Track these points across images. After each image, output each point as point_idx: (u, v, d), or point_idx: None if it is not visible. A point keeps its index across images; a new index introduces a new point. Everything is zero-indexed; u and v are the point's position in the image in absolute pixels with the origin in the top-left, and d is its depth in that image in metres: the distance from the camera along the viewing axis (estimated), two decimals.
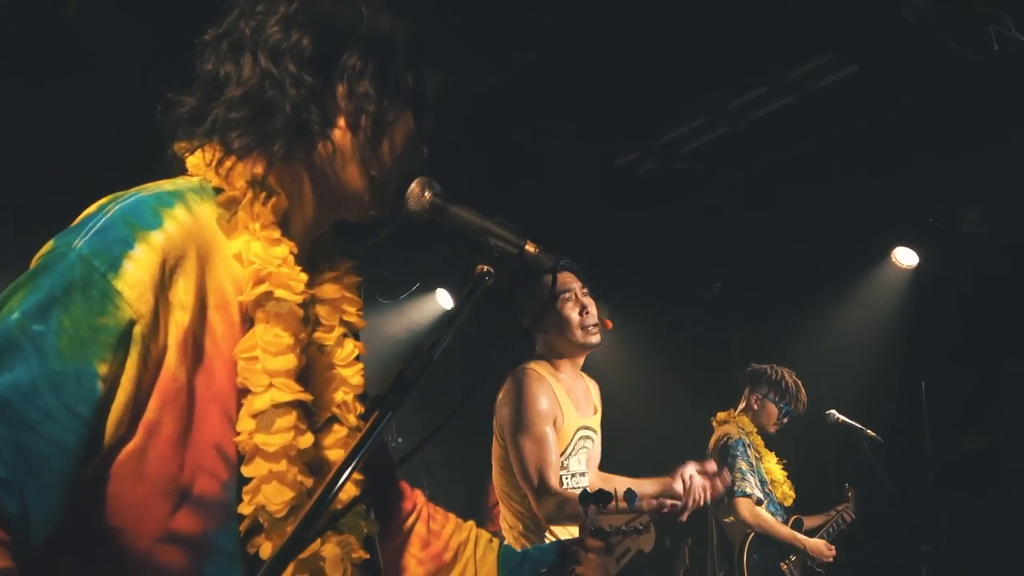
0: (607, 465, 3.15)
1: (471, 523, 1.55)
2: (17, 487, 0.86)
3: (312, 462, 1.08)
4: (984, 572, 4.85)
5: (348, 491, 1.09)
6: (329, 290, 1.19)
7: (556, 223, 4.87)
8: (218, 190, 1.08)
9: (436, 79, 1.19)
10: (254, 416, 1.02)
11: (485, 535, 1.54)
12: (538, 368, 2.93)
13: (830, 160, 4.69)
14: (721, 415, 4.61)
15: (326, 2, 1.10)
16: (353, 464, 0.90)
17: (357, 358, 1.19)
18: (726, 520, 4.32)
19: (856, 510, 4.70)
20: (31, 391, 0.87)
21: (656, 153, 5.00)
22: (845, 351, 5.81)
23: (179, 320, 0.98)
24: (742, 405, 4.59)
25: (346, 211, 1.19)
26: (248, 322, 1.05)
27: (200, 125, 1.09)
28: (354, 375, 1.17)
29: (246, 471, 1.01)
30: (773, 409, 4.48)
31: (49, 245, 0.97)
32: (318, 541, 1.05)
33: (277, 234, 1.08)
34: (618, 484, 3.00)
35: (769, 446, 4.54)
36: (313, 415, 1.12)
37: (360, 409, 1.16)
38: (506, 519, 2.97)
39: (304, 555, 1.03)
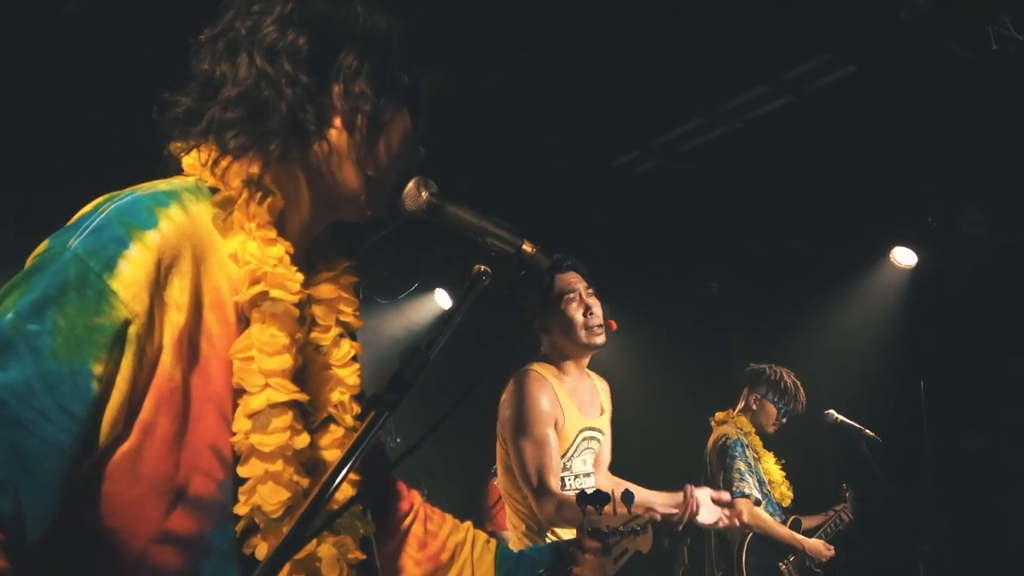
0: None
1: (468, 524, 1.55)
2: (11, 487, 0.86)
3: (308, 462, 1.08)
4: (983, 572, 4.86)
5: (344, 491, 1.09)
6: (325, 290, 1.18)
7: (555, 223, 4.87)
8: (214, 190, 1.08)
9: (432, 78, 1.18)
10: (250, 416, 1.01)
11: (482, 536, 1.53)
12: (540, 370, 2.93)
13: (829, 160, 4.69)
14: (719, 415, 4.61)
15: (322, 2, 1.10)
16: (349, 464, 0.89)
17: (354, 358, 1.19)
18: None
19: (854, 510, 4.70)
20: (26, 391, 0.87)
21: (655, 153, 5.00)
22: (844, 351, 5.81)
23: (174, 320, 0.98)
24: (741, 405, 4.59)
25: (342, 211, 1.18)
26: (244, 322, 1.05)
27: (196, 125, 1.08)
28: (350, 375, 1.17)
29: (242, 471, 1.01)
30: (772, 409, 4.48)
31: (44, 245, 0.96)
32: (314, 541, 1.05)
33: (273, 234, 1.08)
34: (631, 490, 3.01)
35: (768, 446, 4.54)
36: (309, 415, 1.11)
37: (357, 409, 1.16)
38: (511, 520, 2.98)
39: (300, 555, 1.03)
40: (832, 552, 4.36)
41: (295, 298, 1.07)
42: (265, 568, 0.85)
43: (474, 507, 5.37)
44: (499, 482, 3.03)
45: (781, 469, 4.53)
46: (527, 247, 1.12)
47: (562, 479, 2.83)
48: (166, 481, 0.96)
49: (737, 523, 2.71)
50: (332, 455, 1.11)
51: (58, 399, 0.88)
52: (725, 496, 2.68)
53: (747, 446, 4.38)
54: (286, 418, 1.03)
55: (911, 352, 5.35)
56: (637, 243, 5.71)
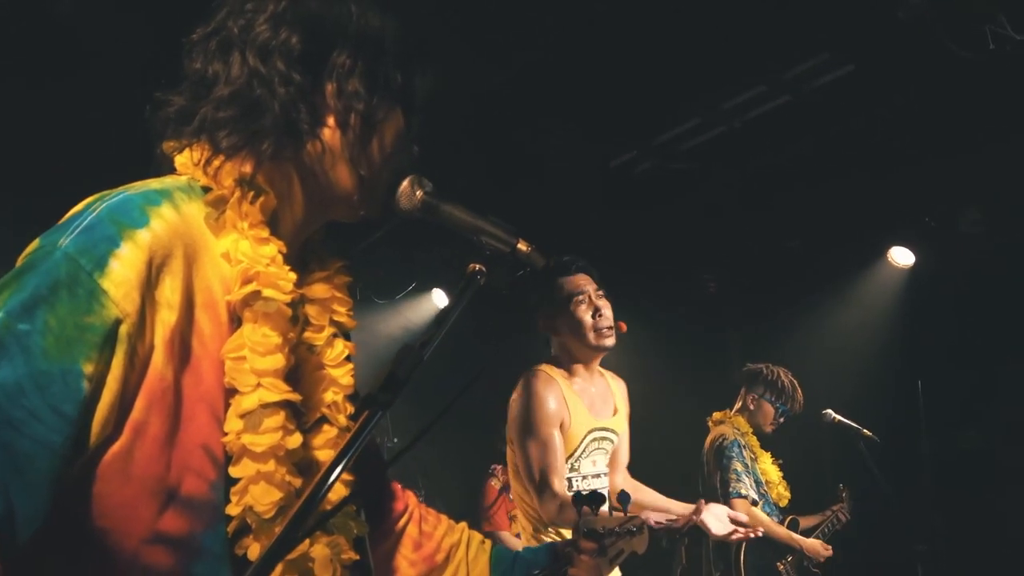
0: None
1: (463, 524, 1.55)
2: (2, 487, 0.85)
3: (301, 463, 1.07)
4: (980, 571, 4.85)
5: (338, 491, 1.09)
6: (319, 290, 1.18)
7: (555, 223, 4.87)
8: (206, 189, 1.08)
9: (426, 77, 1.18)
10: (242, 416, 1.01)
11: (477, 536, 1.53)
12: (548, 370, 2.93)
13: (826, 159, 4.69)
14: (717, 415, 4.61)
15: (315, 0, 1.10)
16: (342, 464, 0.89)
17: (347, 358, 1.19)
18: None
19: (851, 510, 4.70)
20: (16, 391, 0.87)
21: (652, 153, 5.00)
22: (841, 351, 5.81)
23: (166, 319, 0.97)
24: (738, 405, 4.59)
25: (336, 210, 1.18)
26: (236, 321, 1.05)
27: (188, 124, 1.08)
28: (344, 375, 1.16)
29: (234, 471, 1.00)
30: (769, 409, 4.48)
31: (35, 244, 0.96)
32: (307, 542, 1.05)
33: (265, 233, 1.07)
34: (644, 496, 3.03)
35: (765, 446, 4.54)
36: (302, 415, 1.11)
37: (350, 409, 1.16)
38: (520, 520, 2.99)
39: (293, 556, 1.03)
40: (830, 552, 4.36)
41: (288, 297, 1.07)
42: (257, 568, 0.85)
43: (472, 507, 5.35)
44: (511, 483, 3.04)
45: (778, 469, 4.53)
46: (522, 246, 1.12)
47: (569, 480, 2.83)
48: (158, 481, 0.96)
49: (753, 536, 2.75)
50: (325, 455, 1.10)
51: (48, 399, 0.88)
52: (743, 516, 2.74)
53: (744, 446, 4.37)
54: (278, 418, 1.03)
55: (909, 352, 5.35)
56: (635, 243, 5.70)
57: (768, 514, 4.33)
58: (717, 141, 4.75)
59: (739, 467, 4.24)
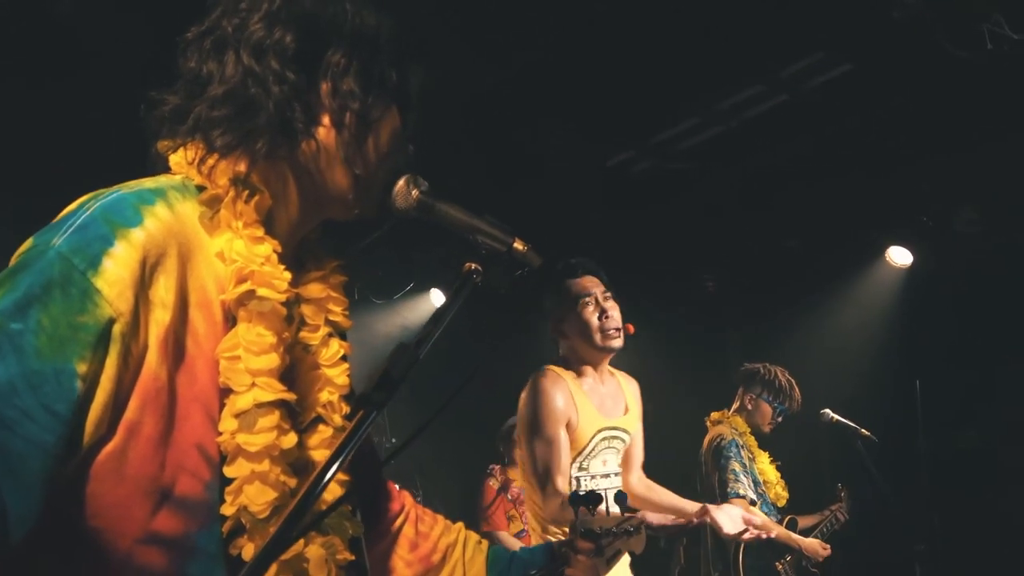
0: None
1: (460, 525, 1.54)
2: None
3: (296, 463, 1.07)
4: (978, 571, 4.86)
5: (332, 491, 1.09)
6: (314, 289, 1.18)
7: (554, 223, 4.87)
8: (201, 188, 1.07)
9: (422, 75, 1.18)
10: (236, 416, 1.00)
11: (474, 536, 1.53)
12: (557, 370, 2.94)
13: (824, 159, 4.70)
14: (715, 415, 4.61)
15: None
16: (337, 464, 0.89)
17: (343, 358, 1.18)
18: None
19: (850, 509, 4.70)
20: (9, 390, 0.86)
21: (650, 152, 5.00)
22: (839, 350, 5.81)
23: (160, 319, 0.97)
24: (736, 405, 4.59)
25: (331, 210, 1.18)
26: (231, 321, 1.04)
27: (183, 123, 1.08)
28: (339, 375, 1.16)
29: (228, 471, 1.00)
30: (767, 408, 4.48)
31: (28, 243, 0.96)
32: (301, 542, 1.04)
33: (260, 232, 1.07)
34: (659, 496, 3.04)
35: (763, 446, 4.54)
36: (298, 415, 1.10)
37: (346, 409, 1.15)
38: (530, 520, 3.00)
39: (287, 556, 1.02)
40: (828, 551, 4.36)
41: (282, 297, 1.06)
42: (251, 568, 0.84)
43: (470, 507, 5.35)
44: (524, 485, 3.05)
45: (776, 469, 4.52)
46: (518, 245, 1.11)
47: (578, 479, 2.83)
48: (152, 481, 0.95)
49: (764, 536, 2.78)
50: (321, 455, 1.10)
51: (41, 398, 0.87)
52: (756, 519, 2.77)
53: (742, 446, 4.37)
54: (273, 417, 1.02)
55: (906, 351, 5.35)
56: (634, 243, 5.71)
57: (766, 514, 4.32)
58: (715, 141, 4.76)
59: (737, 467, 4.24)
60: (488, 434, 5.42)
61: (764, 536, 2.76)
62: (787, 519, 4.50)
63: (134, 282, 0.94)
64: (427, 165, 1.21)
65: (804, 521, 4.60)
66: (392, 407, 0.98)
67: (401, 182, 1.15)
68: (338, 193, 1.14)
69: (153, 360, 0.95)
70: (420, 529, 1.46)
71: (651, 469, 3.29)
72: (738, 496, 4.16)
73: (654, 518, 2.60)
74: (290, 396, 1.06)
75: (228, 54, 1.07)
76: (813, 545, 4.35)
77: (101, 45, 3.39)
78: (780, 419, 4.52)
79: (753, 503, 4.22)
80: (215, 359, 1.02)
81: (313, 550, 1.06)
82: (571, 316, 2.93)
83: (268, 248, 1.07)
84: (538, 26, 3.73)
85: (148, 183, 1.04)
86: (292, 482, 1.04)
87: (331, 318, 1.18)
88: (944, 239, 5.17)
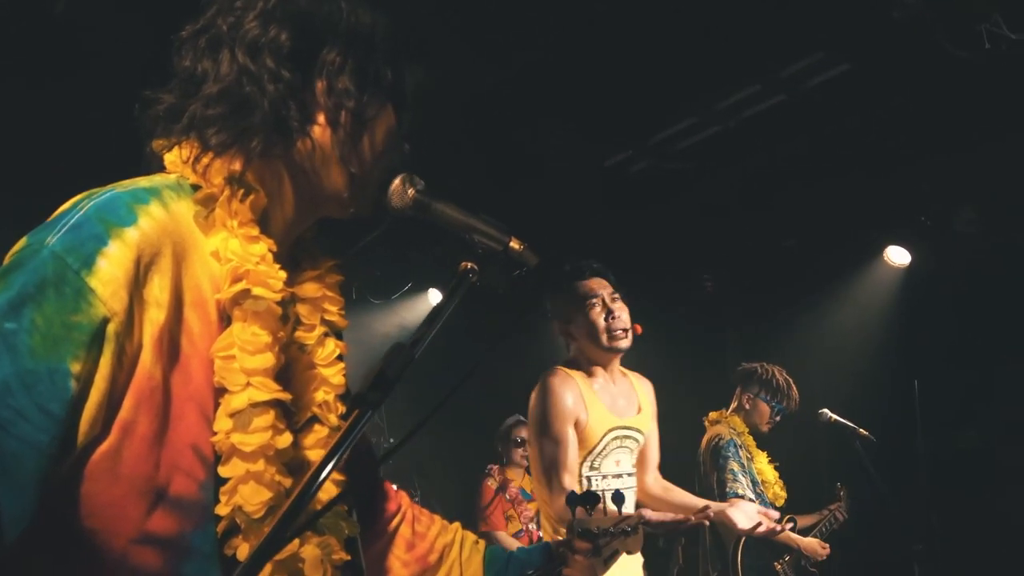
0: None
1: (457, 525, 1.54)
2: None
3: (292, 462, 1.06)
4: (977, 571, 4.86)
5: (328, 491, 1.08)
6: (310, 288, 1.17)
7: (554, 222, 4.87)
8: (196, 187, 1.07)
9: (417, 74, 1.17)
10: (231, 415, 1.00)
11: (471, 537, 1.53)
12: (566, 369, 2.95)
13: (822, 159, 4.69)
14: (713, 415, 4.60)
15: None
16: (332, 463, 0.88)
17: (339, 357, 1.18)
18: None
19: (848, 509, 4.70)
20: (3, 390, 0.86)
21: (648, 152, 5.00)
22: (838, 350, 5.81)
23: (154, 318, 0.96)
24: (734, 405, 4.58)
25: (326, 209, 1.17)
26: (225, 320, 1.04)
27: (178, 122, 1.07)
28: (335, 374, 1.16)
29: (223, 471, 1.00)
30: (765, 408, 4.48)
31: (22, 242, 0.95)
32: (296, 542, 1.04)
33: (255, 231, 1.06)
34: (674, 496, 3.04)
35: (762, 446, 4.54)
36: (293, 415, 1.10)
37: (341, 409, 1.15)
38: (542, 522, 3.01)
39: (282, 556, 1.02)
40: (827, 551, 4.36)
41: (277, 296, 1.06)
42: (245, 568, 0.84)
43: (468, 507, 5.35)
44: (533, 484, 3.06)
45: (775, 469, 4.52)
46: (514, 244, 1.11)
47: (589, 479, 2.83)
48: (146, 481, 0.95)
49: (778, 530, 2.84)
50: (316, 455, 1.10)
51: (35, 398, 0.87)
52: (774, 514, 2.82)
53: (740, 446, 4.37)
54: (268, 417, 1.02)
55: (905, 351, 5.35)
56: (633, 242, 5.71)
57: None
58: (713, 141, 4.75)
59: (735, 467, 4.23)
60: (486, 434, 5.41)
61: (779, 530, 2.78)
62: (786, 518, 4.50)
63: (128, 281, 0.94)
64: (427, 165, 1.20)
65: (803, 520, 4.60)
66: (390, 407, 0.97)
67: (397, 181, 1.15)
68: (334, 192, 1.13)
69: (148, 359, 0.95)
70: (417, 529, 1.46)
71: None
72: (736, 496, 4.15)
73: (652, 515, 2.60)
74: (285, 396, 1.05)
75: (223, 52, 1.06)
76: (812, 545, 4.35)
77: (101, 45, 3.39)
78: (778, 419, 4.51)
79: (751, 503, 4.22)
80: (210, 358, 1.01)
81: (309, 550, 1.05)
82: (578, 317, 2.95)
83: (263, 247, 1.06)
84: (538, 26, 3.73)
85: (142, 182, 1.04)
86: (287, 482, 1.03)
87: (327, 318, 1.18)
88: (943, 239, 5.17)
